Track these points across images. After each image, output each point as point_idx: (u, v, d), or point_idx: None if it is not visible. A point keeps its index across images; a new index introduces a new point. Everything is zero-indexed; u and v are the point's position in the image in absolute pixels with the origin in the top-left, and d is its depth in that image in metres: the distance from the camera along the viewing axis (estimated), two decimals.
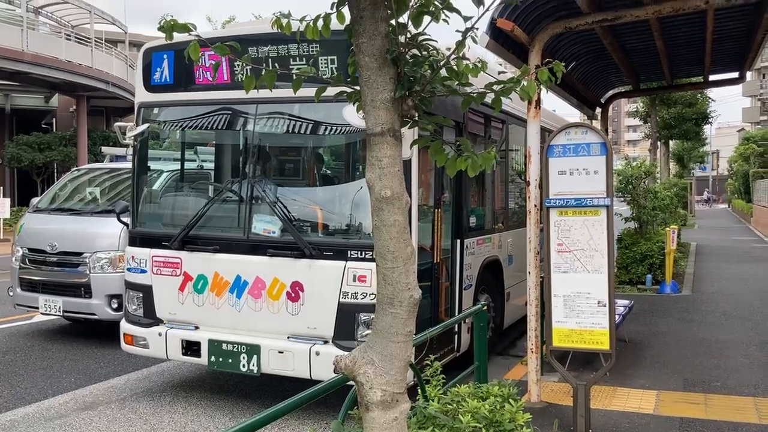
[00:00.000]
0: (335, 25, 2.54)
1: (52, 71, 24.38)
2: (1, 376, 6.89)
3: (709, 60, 8.64)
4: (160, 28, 2.24)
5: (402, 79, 2.33)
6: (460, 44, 2.40)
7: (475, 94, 2.57)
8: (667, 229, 11.83)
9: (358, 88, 2.45)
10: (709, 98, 26.31)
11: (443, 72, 2.49)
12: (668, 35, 7.45)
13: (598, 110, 11.66)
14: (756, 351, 7.49)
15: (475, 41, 2.49)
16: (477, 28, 2.38)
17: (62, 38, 26.34)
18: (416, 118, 2.47)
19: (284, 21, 2.55)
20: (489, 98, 2.61)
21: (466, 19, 2.32)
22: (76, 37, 27.22)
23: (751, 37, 7.53)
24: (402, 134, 2.45)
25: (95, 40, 27.28)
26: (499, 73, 6.92)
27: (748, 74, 10.12)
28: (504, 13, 5.25)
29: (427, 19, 2.42)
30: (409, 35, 2.38)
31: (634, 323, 8.61)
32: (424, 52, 2.43)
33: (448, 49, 2.53)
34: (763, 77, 56.27)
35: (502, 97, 2.56)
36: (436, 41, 2.41)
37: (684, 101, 24.99)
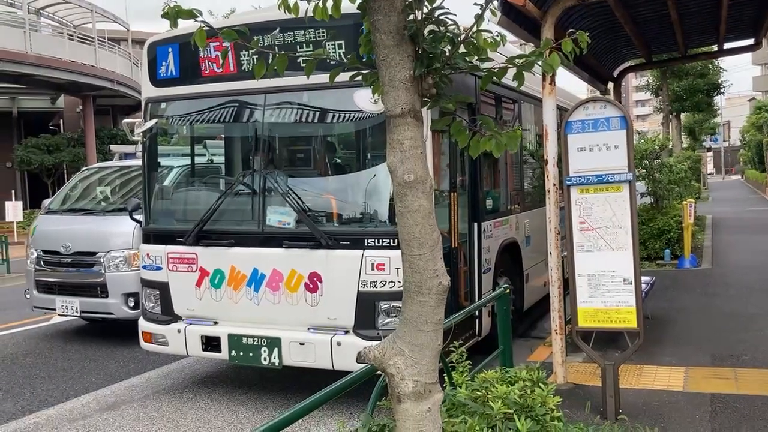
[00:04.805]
0: (344, 7, 2.43)
1: (57, 72, 24.34)
2: (23, 378, 6.89)
3: (725, 27, 8.44)
4: (164, 15, 2.14)
5: (421, 57, 2.22)
6: (480, 17, 2.28)
7: (495, 70, 2.45)
8: (684, 203, 11.66)
9: (374, 69, 2.35)
10: (721, 68, 25.93)
11: (462, 47, 2.38)
12: (682, 3, 7.26)
13: (610, 85, 11.47)
14: None
15: (494, 14, 2.37)
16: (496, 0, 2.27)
17: (65, 38, 26.28)
18: (437, 98, 2.36)
19: (291, 2, 2.44)
20: (506, 77, 2.50)
21: None
22: (78, 37, 27.15)
23: None
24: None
25: (98, 39, 27.19)
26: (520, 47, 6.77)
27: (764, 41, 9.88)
28: None
29: None
30: (425, 10, 2.27)
31: (656, 299, 8.48)
32: (442, 28, 2.32)
33: (465, 29, 2.41)
34: None
35: (521, 73, 2.45)
36: (455, 15, 2.29)
37: (695, 72, 24.62)
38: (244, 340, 5.43)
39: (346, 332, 5.19)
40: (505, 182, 7.43)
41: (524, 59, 2.39)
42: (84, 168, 10.54)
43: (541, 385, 3.63)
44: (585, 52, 2.45)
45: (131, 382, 6.55)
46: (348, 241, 5.19)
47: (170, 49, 5.84)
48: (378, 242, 5.08)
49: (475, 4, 2.30)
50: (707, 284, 9.86)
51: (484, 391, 3.54)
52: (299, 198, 5.42)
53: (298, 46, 5.13)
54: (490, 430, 3.18)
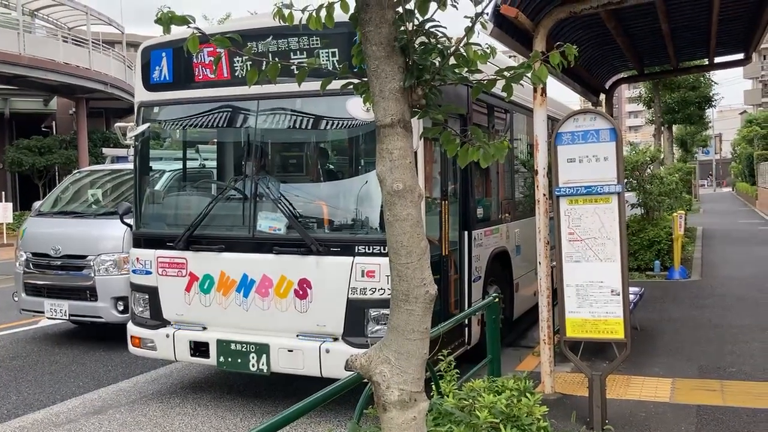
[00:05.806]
0: (338, 16, 2.45)
1: (50, 74, 24.26)
2: (9, 382, 6.84)
3: (715, 42, 8.53)
4: (158, 21, 2.16)
5: (411, 68, 2.25)
6: (470, 30, 2.31)
7: (485, 82, 2.48)
8: (675, 214, 11.73)
9: (365, 79, 2.37)
10: (712, 81, 26.14)
11: (452, 59, 2.41)
12: (674, 18, 7.34)
13: (602, 96, 11.55)
14: None
15: (484, 27, 2.40)
16: (487, 13, 2.30)
17: (59, 40, 26.23)
18: (426, 108, 2.38)
19: (286, 12, 2.46)
20: (497, 87, 2.53)
21: (476, 2, 2.23)
22: (72, 39, 27.09)
23: (757, 17, 7.42)
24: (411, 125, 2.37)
25: (92, 42, 27.15)
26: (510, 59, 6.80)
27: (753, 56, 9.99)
28: None
29: (433, 6, 2.33)
30: (416, 22, 2.30)
31: (644, 310, 8.53)
32: (433, 40, 2.35)
33: (457, 40, 2.44)
34: (764, 59, 55.96)
35: (510, 85, 2.48)
36: (446, 27, 2.32)
37: (687, 85, 24.81)
38: (233, 346, 5.42)
39: (335, 339, 5.19)
40: (496, 191, 7.47)
41: (513, 71, 2.42)
42: (75, 170, 10.51)
43: (528, 395, 3.65)
44: (573, 64, 2.48)
45: (119, 387, 6.51)
46: (338, 248, 5.20)
47: (164, 54, 5.85)
48: (368, 249, 5.09)
49: (466, 16, 2.33)
50: (696, 296, 9.91)
51: (470, 400, 3.56)
52: (290, 204, 5.43)
53: (291, 53, 5.15)
54: None
